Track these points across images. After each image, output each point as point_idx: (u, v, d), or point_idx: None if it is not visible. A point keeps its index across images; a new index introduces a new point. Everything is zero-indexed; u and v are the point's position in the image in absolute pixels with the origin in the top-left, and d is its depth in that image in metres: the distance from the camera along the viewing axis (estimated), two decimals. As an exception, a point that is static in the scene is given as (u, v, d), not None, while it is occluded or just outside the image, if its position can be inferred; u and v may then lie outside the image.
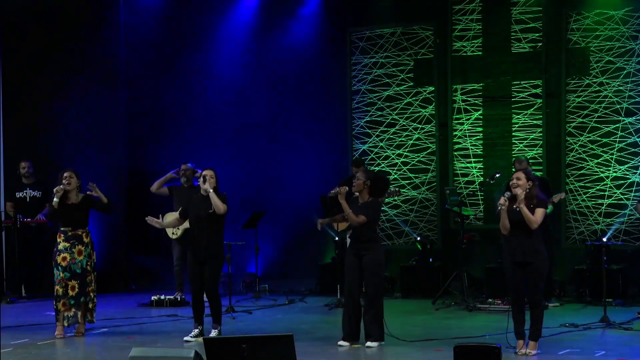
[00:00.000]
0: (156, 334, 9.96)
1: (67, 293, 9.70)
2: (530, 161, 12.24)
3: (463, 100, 13.55)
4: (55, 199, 9.69)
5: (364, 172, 9.37)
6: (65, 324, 9.78)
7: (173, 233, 12.46)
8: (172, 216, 11.13)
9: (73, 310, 9.76)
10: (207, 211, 9.35)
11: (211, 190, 9.33)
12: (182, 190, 12.29)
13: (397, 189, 13.40)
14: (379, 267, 9.05)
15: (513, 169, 12.47)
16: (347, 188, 9.14)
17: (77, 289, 9.71)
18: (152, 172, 14.50)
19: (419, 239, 13.31)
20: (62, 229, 9.84)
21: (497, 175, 12.22)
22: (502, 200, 8.29)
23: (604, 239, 11.22)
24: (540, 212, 8.31)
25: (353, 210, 8.97)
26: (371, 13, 14.10)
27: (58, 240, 9.83)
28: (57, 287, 9.76)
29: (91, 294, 9.85)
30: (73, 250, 9.74)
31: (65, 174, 9.81)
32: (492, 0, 13.42)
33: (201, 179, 9.45)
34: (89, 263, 9.81)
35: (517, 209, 8.27)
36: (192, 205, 9.52)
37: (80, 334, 9.79)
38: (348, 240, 9.66)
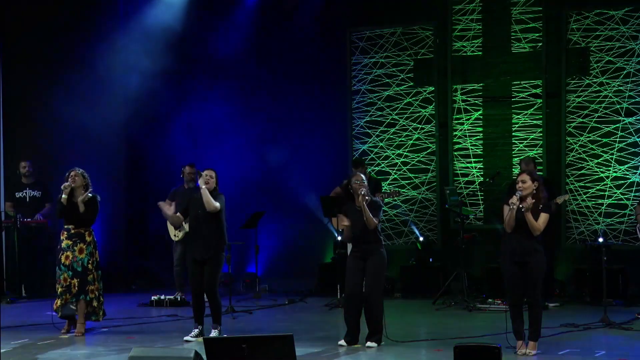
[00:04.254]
0: (156, 334, 9.96)
1: (71, 291, 9.74)
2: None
3: (463, 100, 13.55)
4: (63, 196, 9.72)
5: (364, 174, 9.35)
6: (59, 314, 9.85)
7: (175, 235, 12.49)
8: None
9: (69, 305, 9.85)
10: (205, 210, 9.37)
11: (203, 187, 9.36)
12: (183, 192, 12.32)
13: (396, 189, 13.42)
14: (383, 269, 9.05)
15: (514, 170, 12.50)
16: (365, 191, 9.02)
17: (76, 287, 9.75)
18: (152, 171, 14.54)
19: (421, 239, 13.30)
20: (65, 227, 9.90)
21: (497, 176, 12.24)
22: (514, 199, 8.26)
23: (600, 240, 11.22)
24: (544, 218, 8.29)
25: (357, 214, 8.97)
26: (371, 13, 14.10)
27: (61, 238, 9.89)
28: (58, 286, 9.81)
29: (96, 292, 9.89)
30: (75, 248, 9.78)
31: (71, 173, 9.86)
32: (492, 0, 13.42)
33: (201, 178, 9.47)
34: (90, 261, 9.82)
35: (522, 209, 8.28)
36: (192, 204, 9.53)
37: (80, 334, 9.81)
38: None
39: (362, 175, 9.19)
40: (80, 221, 9.84)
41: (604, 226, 12.60)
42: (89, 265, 9.82)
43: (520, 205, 8.25)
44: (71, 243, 9.79)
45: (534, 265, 8.29)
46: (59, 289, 9.78)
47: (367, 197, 8.88)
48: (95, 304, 9.89)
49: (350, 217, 9.08)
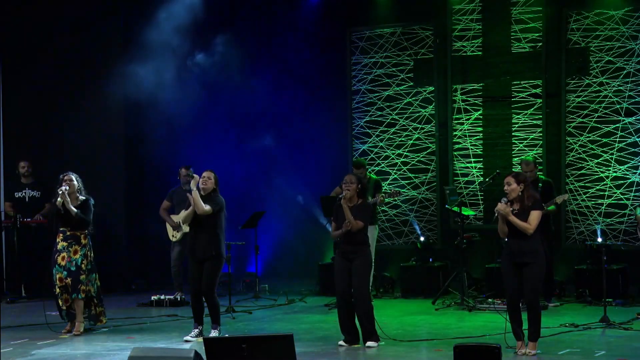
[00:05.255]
0: (156, 334, 9.96)
1: (68, 290, 9.84)
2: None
3: (463, 100, 13.55)
4: (59, 199, 9.75)
5: (354, 176, 9.32)
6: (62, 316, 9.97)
7: (173, 235, 12.49)
8: (183, 212, 11.05)
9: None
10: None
11: (194, 189, 9.34)
12: (181, 192, 12.32)
13: (397, 189, 13.42)
14: (369, 269, 9.13)
15: (514, 170, 12.48)
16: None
17: (70, 286, 9.83)
18: (152, 172, 14.53)
19: (422, 238, 13.28)
20: (61, 229, 9.97)
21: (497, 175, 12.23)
22: (499, 205, 8.30)
23: (599, 240, 11.19)
24: (535, 215, 8.30)
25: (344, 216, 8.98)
26: (371, 13, 14.10)
27: (57, 240, 9.98)
28: (55, 286, 9.90)
29: (92, 293, 9.94)
30: (70, 249, 9.88)
31: (65, 177, 9.90)
32: (492, 0, 13.42)
33: (193, 180, 9.45)
34: (84, 262, 9.89)
35: (514, 212, 8.30)
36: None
37: (79, 332, 9.83)
38: None
39: (353, 177, 9.19)
40: (76, 224, 9.89)
41: (603, 226, 12.59)
42: (82, 266, 9.89)
43: (511, 209, 8.30)
44: (66, 244, 9.89)
45: (534, 266, 8.28)
46: (57, 290, 9.89)
47: (347, 199, 8.93)
48: (99, 309, 10.03)
49: (339, 216, 9.10)
